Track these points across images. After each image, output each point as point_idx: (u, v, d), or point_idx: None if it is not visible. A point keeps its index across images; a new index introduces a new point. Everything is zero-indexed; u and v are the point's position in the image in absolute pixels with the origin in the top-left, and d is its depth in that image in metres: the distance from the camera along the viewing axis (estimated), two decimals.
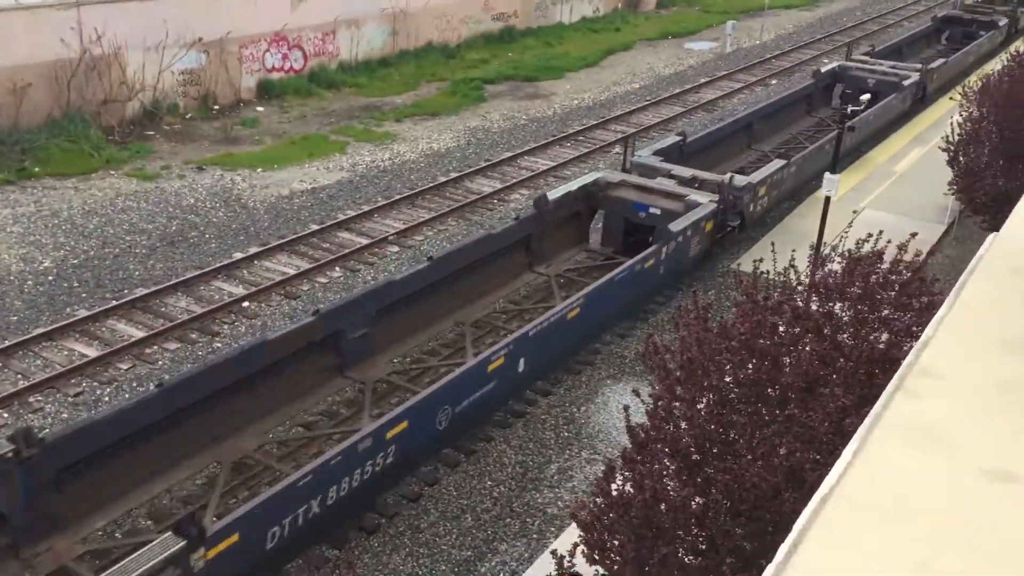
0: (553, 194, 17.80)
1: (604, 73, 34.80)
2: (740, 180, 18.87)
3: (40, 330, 15.31)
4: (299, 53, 29.84)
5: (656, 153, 20.45)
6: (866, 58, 31.44)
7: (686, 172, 19.37)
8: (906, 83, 28.16)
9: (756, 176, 19.60)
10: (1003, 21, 39.60)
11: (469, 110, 29.19)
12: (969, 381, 1.24)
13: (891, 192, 23.54)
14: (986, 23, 39.35)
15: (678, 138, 21.61)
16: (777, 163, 20.56)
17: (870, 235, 10.90)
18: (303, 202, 21.35)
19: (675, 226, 16.79)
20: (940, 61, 31.69)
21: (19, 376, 14.17)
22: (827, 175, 17.27)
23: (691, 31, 42.60)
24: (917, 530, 1.02)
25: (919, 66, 30.12)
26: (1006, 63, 22.79)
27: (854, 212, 20.40)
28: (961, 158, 20.43)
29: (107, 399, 13.80)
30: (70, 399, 13.76)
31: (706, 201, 17.84)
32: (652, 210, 18.03)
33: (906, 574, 0.93)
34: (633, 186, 18.75)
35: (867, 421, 1.22)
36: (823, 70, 29.15)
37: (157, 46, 25.06)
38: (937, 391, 1.23)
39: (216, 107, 27.21)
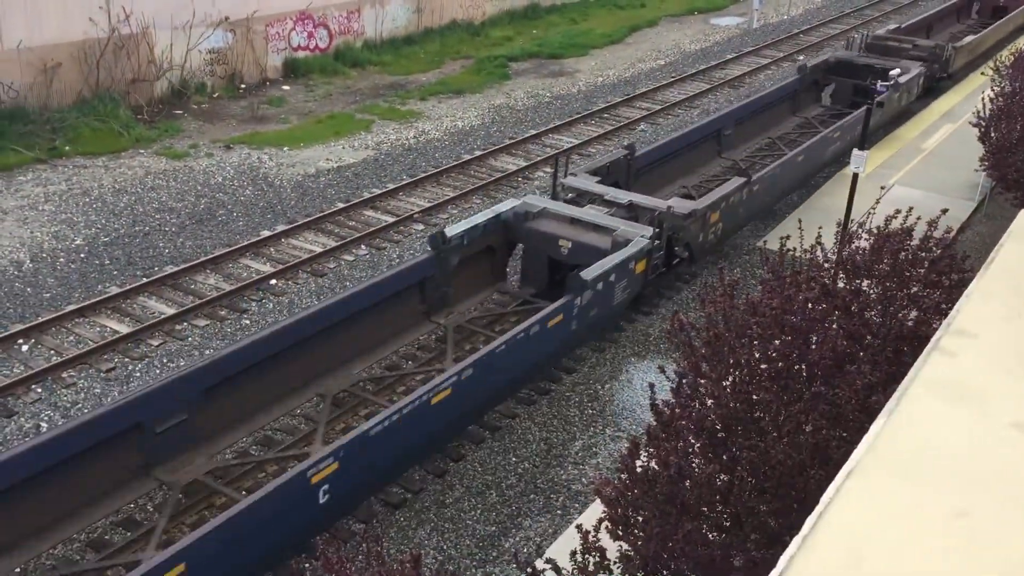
0: (454, 229, 14.94)
1: (629, 50, 34.56)
2: (683, 206, 16.23)
3: (72, 307, 15.55)
4: (324, 32, 29.87)
5: (597, 171, 17.58)
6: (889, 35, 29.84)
7: (623, 196, 16.50)
8: (903, 79, 24.29)
9: (704, 201, 16.78)
10: None
11: (493, 88, 29.12)
12: (1001, 340, 1.26)
13: (921, 169, 23.28)
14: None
15: (624, 152, 18.54)
16: (735, 182, 17.64)
17: (898, 211, 10.82)
18: (329, 180, 21.46)
19: (589, 273, 13.87)
20: (968, 37, 31.27)
21: (52, 352, 14.41)
22: (855, 151, 17.06)
23: (717, 6, 42.17)
24: (952, 481, 1.04)
25: (932, 44, 28.88)
26: None
27: (882, 188, 20.20)
28: (992, 134, 20.16)
29: (138, 375, 14.02)
30: (102, 374, 13.99)
31: (637, 236, 14.88)
32: (574, 246, 15.22)
33: (943, 521, 0.96)
34: (556, 216, 15.77)
35: (906, 379, 1.25)
36: (811, 63, 26.11)
37: (184, 25, 25.18)
38: (970, 349, 1.25)
39: (243, 86, 27.33)
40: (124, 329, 15.07)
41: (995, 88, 20.94)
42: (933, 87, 28.56)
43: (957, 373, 1.18)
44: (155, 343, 14.83)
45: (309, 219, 19.14)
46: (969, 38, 31.32)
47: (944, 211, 10.89)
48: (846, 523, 0.96)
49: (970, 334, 1.25)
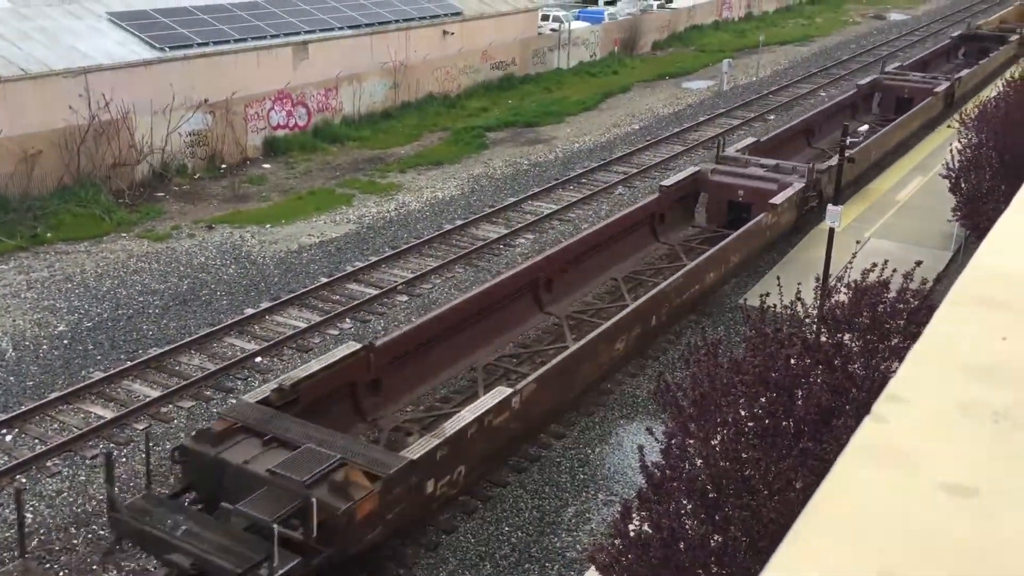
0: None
1: (603, 116, 35.19)
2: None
3: (56, 394, 15.43)
4: (303, 110, 30.31)
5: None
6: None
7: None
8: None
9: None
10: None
11: (472, 158, 29.52)
12: (932, 405, 1.32)
13: (895, 221, 23.65)
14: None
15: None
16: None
17: (875, 265, 10.97)
18: (312, 256, 21.56)
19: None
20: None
21: (36, 441, 14.25)
22: (830, 207, 17.41)
23: (688, 71, 43.12)
24: (879, 541, 1.08)
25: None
26: (1002, 89, 23.02)
27: (857, 242, 20.47)
28: (963, 184, 20.57)
29: (124, 460, 13.85)
30: (87, 461, 13.82)
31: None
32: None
33: None
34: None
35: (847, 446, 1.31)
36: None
37: (164, 109, 25.51)
38: (903, 415, 1.31)
39: (223, 166, 27.60)
40: (108, 414, 14.94)
41: (962, 140, 21.42)
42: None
43: (889, 438, 1.23)
44: (140, 427, 14.69)
45: (293, 295, 19.18)
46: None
47: (919, 263, 11.06)
48: None
49: (903, 399, 1.30)
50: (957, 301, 1.80)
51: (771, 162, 23.33)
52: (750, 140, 26.11)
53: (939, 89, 32.40)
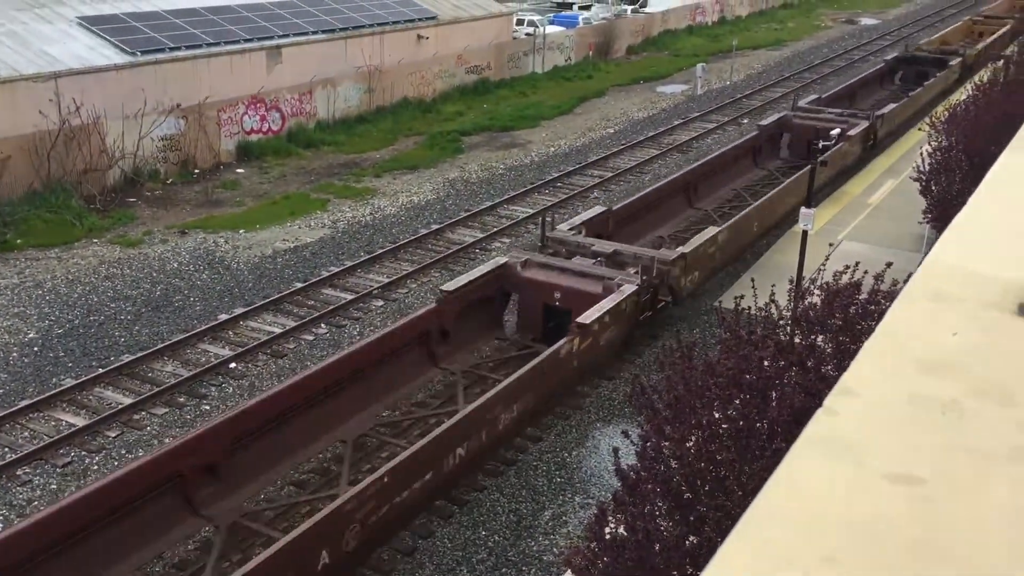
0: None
1: (578, 120, 35.28)
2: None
3: (26, 401, 15.24)
4: (277, 114, 30.16)
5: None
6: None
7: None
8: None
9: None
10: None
11: (447, 162, 29.50)
12: (880, 398, 1.34)
13: (867, 223, 23.87)
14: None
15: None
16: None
17: (847, 267, 11.07)
18: (286, 261, 21.45)
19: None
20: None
21: (6, 449, 14.06)
22: (803, 209, 17.51)
23: (662, 75, 43.33)
24: (824, 528, 1.10)
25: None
26: (971, 92, 23.32)
27: (830, 245, 20.64)
28: (933, 187, 20.79)
29: (96, 468, 13.71)
30: (59, 470, 13.66)
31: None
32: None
33: (813, 566, 1.01)
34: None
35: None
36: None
37: (136, 114, 25.29)
38: (852, 407, 1.33)
39: (196, 171, 27.40)
40: (80, 422, 14.77)
41: (932, 143, 21.66)
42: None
43: (839, 430, 1.25)
44: (112, 434, 14.54)
45: (267, 300, 19.06)
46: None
47: (889, 264, 11.16)
48: (732, 569, 1.02)
49: (854, 393, 1.33)
50: (911, 298, 1.83)
51: (608, 248, 18.04)
52: (598, 210, 20.15)
53: (854, 132, 26.54)
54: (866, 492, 1.31)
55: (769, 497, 1.31)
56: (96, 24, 26.87)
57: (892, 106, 30.45)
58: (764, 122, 28.45)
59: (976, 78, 26.85)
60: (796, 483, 1.33)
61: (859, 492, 1.31)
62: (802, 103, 30.16)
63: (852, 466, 1.35)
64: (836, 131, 22.33)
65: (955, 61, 37.81)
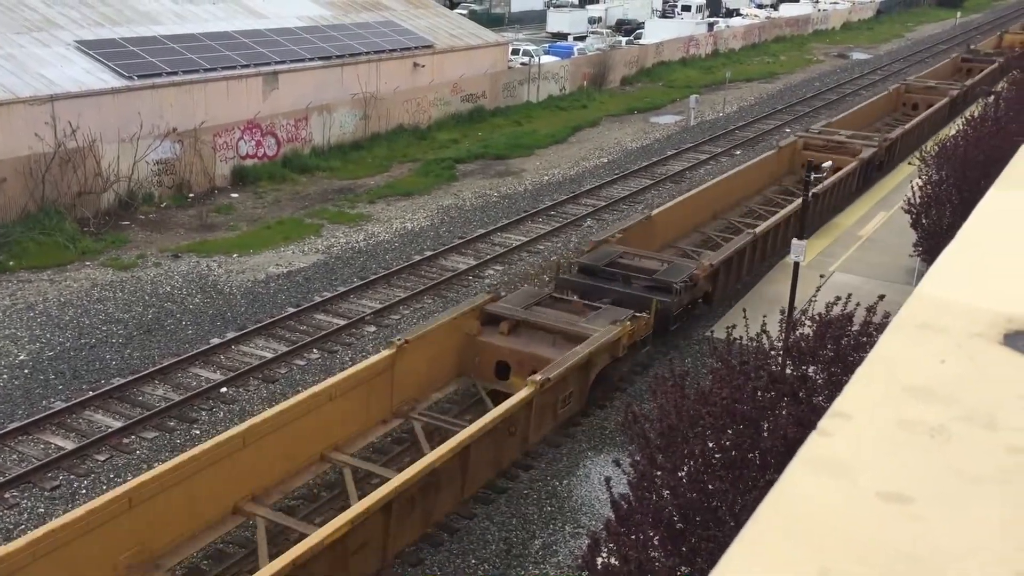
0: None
1: (572, 149, 35.50)
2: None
3: (15, 424, 15.15)
4: (272, 140, 30.28)
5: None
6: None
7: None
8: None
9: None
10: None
11: (441, 189, 29.62)
12: (874, 421, 1.38)
13: (858, 255, 24.01)
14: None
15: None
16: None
17: (838, 298, 11.14)
18: (279, 285, 21.45)
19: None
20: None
21: None
22: (794, 240, 17.61)
23: (656, 106, 43.69)
24: (819, 544, 1.14)
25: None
26: (961, 127, 23.57)
27: (821, 276, 20.76)
28: (924, 220, 20.95)
29: (84, 492, 13.61)
30: (47, 493, 13.56)
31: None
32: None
33: None
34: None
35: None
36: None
37: (131, 137, 25.37)
38: (845, 429, 1.37)
39: (191, 195, 27.45)
40: (69, 445, 14.69)
41: (923, 177, 21.87)
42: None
43: (833, 451, 1.29)
44: (102, 458, 14.46)
45: (259, 325, 19.04)
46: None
47: (881, 296, 11.24)
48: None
49: (847, 415, 1.37)
50: (900, 327, 1.88)
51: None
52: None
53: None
54: (860, 510, 1.35)
55: (768, 512, 1.35)
56: (94, 48, 27.02)
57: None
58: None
59: (967, 113, 27.17)
60: (793, 500, 1.37)
61: (853, 510, 1.36)
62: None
63: (847, 485, 1.40)
64: (828, 163, 22.43)
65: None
